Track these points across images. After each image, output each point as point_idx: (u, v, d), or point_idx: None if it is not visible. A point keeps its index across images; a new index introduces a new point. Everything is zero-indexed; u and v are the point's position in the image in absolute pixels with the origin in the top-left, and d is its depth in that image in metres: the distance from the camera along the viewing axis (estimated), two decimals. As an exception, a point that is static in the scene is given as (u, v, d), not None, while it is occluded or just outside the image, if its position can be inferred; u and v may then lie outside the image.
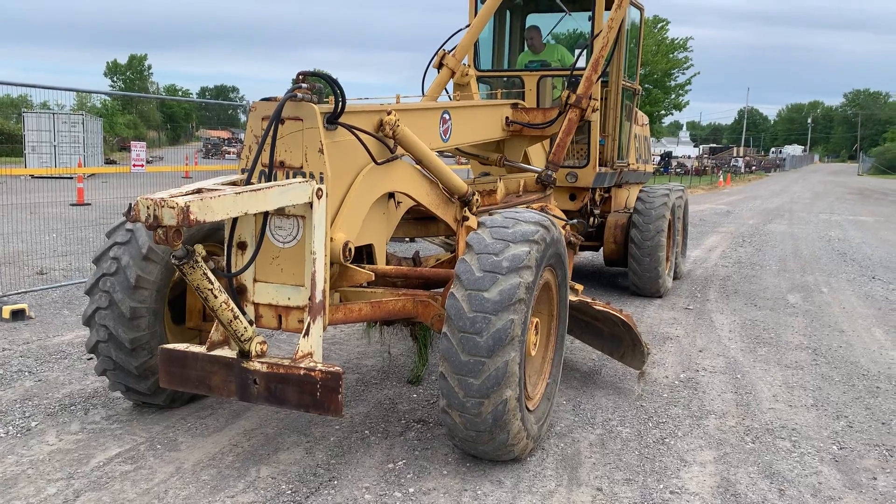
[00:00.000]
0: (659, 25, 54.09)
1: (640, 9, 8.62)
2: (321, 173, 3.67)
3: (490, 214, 4.03)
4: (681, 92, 54.72)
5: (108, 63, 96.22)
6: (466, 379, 3.46)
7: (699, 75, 57.31)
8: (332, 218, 3.87)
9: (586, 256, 11.46)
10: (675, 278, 9.80)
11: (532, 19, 9.01)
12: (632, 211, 8.58)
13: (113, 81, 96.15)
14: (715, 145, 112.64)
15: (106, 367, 4.28)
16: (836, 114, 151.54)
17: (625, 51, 8.14)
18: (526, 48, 8.60)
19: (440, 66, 6.57)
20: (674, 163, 62.67)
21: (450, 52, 6.58)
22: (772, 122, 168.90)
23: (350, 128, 3.86)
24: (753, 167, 68.87)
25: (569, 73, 6.68)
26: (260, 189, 3.34)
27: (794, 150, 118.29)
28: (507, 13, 8.73)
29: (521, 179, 6.29)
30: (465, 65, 6.60)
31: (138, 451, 3.92)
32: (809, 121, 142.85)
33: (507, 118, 6.35)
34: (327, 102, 3.79)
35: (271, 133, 3.59)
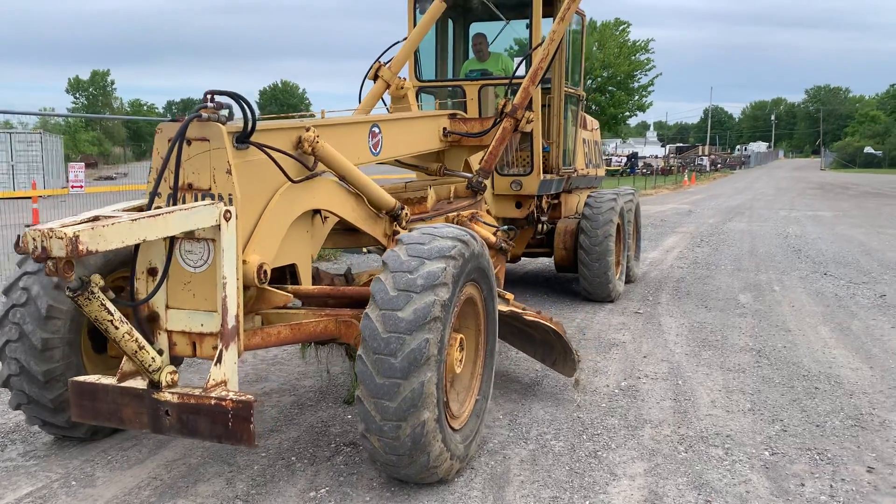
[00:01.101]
0: (621, 28, 54.64)
1: (582, 15, 8.62)
2: (230, 195, 3.57)
3: (410, 230, 3.95)
4: (644, 93, 55.24)
5: (69, 79, 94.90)
6: (382, 402, 3.37)
7: (665, 76, 57.92)
8: (246, 240, 3.78)
9: (544, 262, 11.44)
10: (628, 282, 9.81)
11: (477, 27, 8.97)
12: (580, 216, 8.57)
13: (75, 98, 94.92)
14: (681, 145, 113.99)
15: (20, 401, 4.12)
16: (799, 110, 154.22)
17: (567, 58, 8.13)
18: (471, 56, 8.56)
19: (376, 77, 6.50)
20: (640, 163, 63.25)
21: (386, 63, 6.51)
22: (737, 120, 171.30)
23: (261, 146, 3.76)
24: (719, 165, 69.75)
25: (507, 82, 6.63)
26: (159, 214, 3.23)
27: (759, 147, 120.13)
28: (450, 22, 8.69)
29: (452, 186, 6.24)
30: (401, 77, 6.53)
31: (51, 490, 3.78)
32: (773, 118, 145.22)
33: (444, 129, 6.30)
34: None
35: (175, 155, 3.48)
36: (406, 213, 4.90)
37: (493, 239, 5.85)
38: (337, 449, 4.25)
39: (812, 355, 6.32)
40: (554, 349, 5.25)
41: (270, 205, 3.92)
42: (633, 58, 53.53)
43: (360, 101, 6.57)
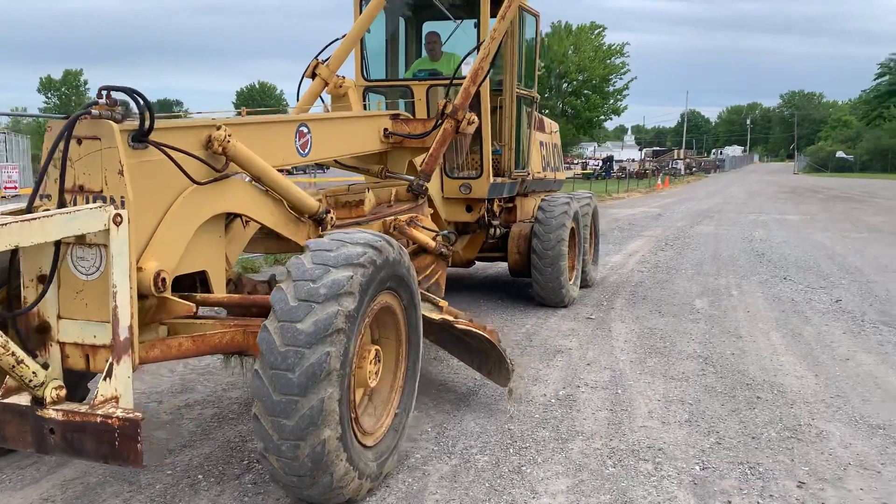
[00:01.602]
0: (596, 32, 54.87)
1: (536, 15, 8.47)
2: (122, 197, 3.35)
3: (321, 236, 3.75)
4: (619, 97, 55.49)
5: (41, 79, 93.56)
6: (280, 420, 3.16)
7: (643, 80, 58.39)
8: (143, 245, 3.56)
9: (503, 267, 11.27)
10: (585, 286, 9.67)
11: (431, 26, 8.79)
12: (534, 220, 8.41)
13: (47, 98, 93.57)
14: (658, 148, 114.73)
15: None
16: (774, 114, 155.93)
17: (518, 59, 7.97)
18: (424, 56, 8.38)
19: (314, 75, 6.30)
20: (616, 166, 63.51)
21: (324, 61, 6.32)
22: (713, 124, 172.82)
23: (159, 146, 3.54)
24: (693, 169, 70.19)
25: (449, 82, 6.45)
26: (35, 218, 3.00)
27: (735, 150, 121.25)
28: (402, 21, 8.50)
29: (393, 189, 6.06)
30: (340, 76, 6.33)
31: (-69, 512, 3.53)
32: (748, 122, 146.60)
33: (385, 130, 6.10)
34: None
35: (60, 154, 3.26)
36: (331, 218, 4.69)
37: (432, 244, 5.67)
38: (248, 466, 4.03)
39: (759, 363, 6.20)
40: (489, 358, 5.07)
41: (173, 208, 3.70)
42: (608, 61, 53.82)
43: (297, 100, 6.38)
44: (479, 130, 7.35)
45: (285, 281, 3.37)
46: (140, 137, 3.45)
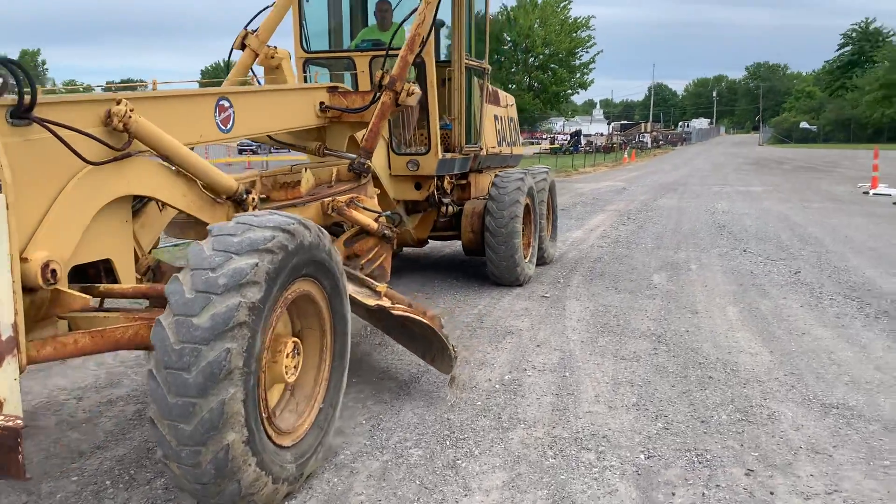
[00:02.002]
0: (562, 5, 54.31)
1: (485, -17, 8.13)
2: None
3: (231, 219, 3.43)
4: (585, 71, 55.12)
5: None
6: (177, 425, 2.87)
7: (611, 54, 58.07)
8: (30, 233, 3.21)
9: (459, 246, 11.00)
10: (542, 264, 9.45)
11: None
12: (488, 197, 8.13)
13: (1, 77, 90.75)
14: (625, 122, 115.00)
15: None
16: (740, 86, 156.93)
17: (466, 28, 7.64)
18: (372, 24, 8.00)
19: (243, 47, 5.94)
20: (584, 141, 63.46)
21: (254, 32, 5.95)
22: (680, 97, 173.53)
23: (43, 122, 3.19)
24: (660, 142, 70.40)
25: (384, 52, 6.11)
26: None
27: (701, 123, 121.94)
28: (344, -9, 8.10)
29: (334, 168, 5.73)
30: (271, 46, 5.97)
31: None
32: (714, 94, 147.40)
33: (321, 103, 5.76)
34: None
35: None
36: (252, 199, 4.37)
37: (373, 226, 5.36)
38: (161, 471, 3.73)
39: (714, 339, 6.02)
40: (432, 344, 4.81)
41: (65, 192, 3.36)
42: (574, 35, 53.37)
43: (226, 73, 6.01)
44: (426, 104, 7.08)
45: (184, 270, 3.05)
46: (20, 114, 3.09)
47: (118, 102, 3.63)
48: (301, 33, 7.29)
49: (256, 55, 5.91)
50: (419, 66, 7.00)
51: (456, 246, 11.06)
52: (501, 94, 9.94)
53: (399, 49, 7.09)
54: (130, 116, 3.63)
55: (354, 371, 5.28)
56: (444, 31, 7.69)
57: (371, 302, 4.54)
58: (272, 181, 5.32)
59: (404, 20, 6.07)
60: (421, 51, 5.96)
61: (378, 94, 5.67)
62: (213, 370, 2.85)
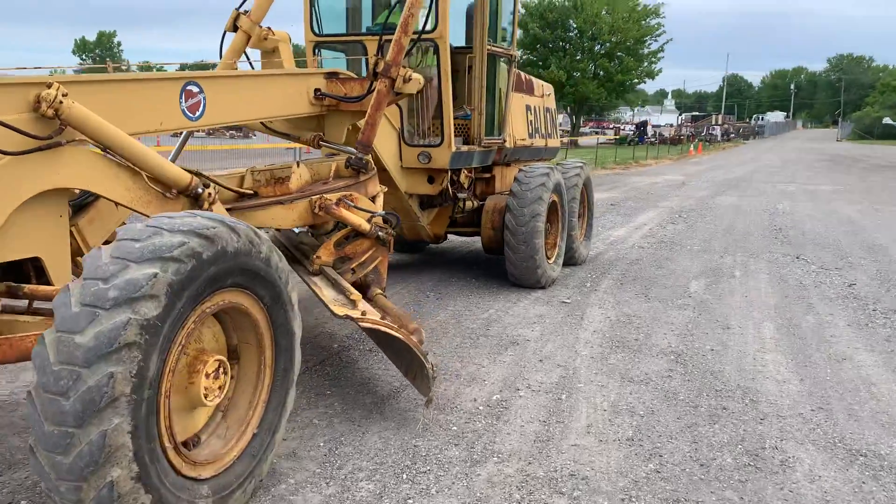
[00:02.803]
0: (631, -8, 52.75)
1: (513, -37, 7.58)
2: None
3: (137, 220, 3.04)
4: (653, 60, 53.51)
5: (76, 41, 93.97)
6: (55, 457, 2.51)
7: (683, 44, 56.42)
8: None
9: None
10: (573, 264, 8.89)
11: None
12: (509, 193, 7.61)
13: (82, 60, 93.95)
14: (697, 113, 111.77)
15: None
16: (820, 79, 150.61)
17: (491, 12, 7.12)
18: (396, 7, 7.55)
19: (235, 29, 5.57)
20: (651, 132, 61.81)
21: (246, 13, 5.57)
22: (756, 89, 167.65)
23: (-59, 109, 2.87)
24: (731, 135, 68.03)
25: (379, 37, 5.65)
26: None
27: (777, 116, 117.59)
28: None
29: (334, 164, 5.31)
30: (265, 27, 5.59)
31: None
32: (792, 87, 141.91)
33: (316, 90, 5.36)
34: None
35: None
36: (209, 193, 3.98)
37: (366, 227, 4.91)
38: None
39: (739, 361, 5.40)
40: (414, 361, 4.36)
41: (-18, 184, 3.05)
42: (644, 23, 51.78)
43: (220, 56, 5.66)
44: (439, 92, 6.62)
45: (75, 280, 2.69)
46: None
47: (49, 86, 3.30)
48: (312, 15, 6.89)
49: (249, 37, 5.54)
50: (434, 51, 6.54)
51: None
52: (537, 82, 9.38)
53: (382, 31, 6.69)
54: (62, 102, 3.29)
55: (333, 381, 4.89)
56: (462, 14, 7.19)
57: (340, 311, 4.13)
58: (267, 175, 4.94)
59: (396, 2, 5.58)
60: (421, 34, 5.49)
61: (373, 82, 5.23)
62: (93, 397, 2.47)
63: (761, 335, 6.13)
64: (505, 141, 7.81)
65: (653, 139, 55.18)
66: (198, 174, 4.49)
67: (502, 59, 7.60)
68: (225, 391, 3.17)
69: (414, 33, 6.49)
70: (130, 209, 3.76)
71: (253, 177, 4.90)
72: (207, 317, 3.05)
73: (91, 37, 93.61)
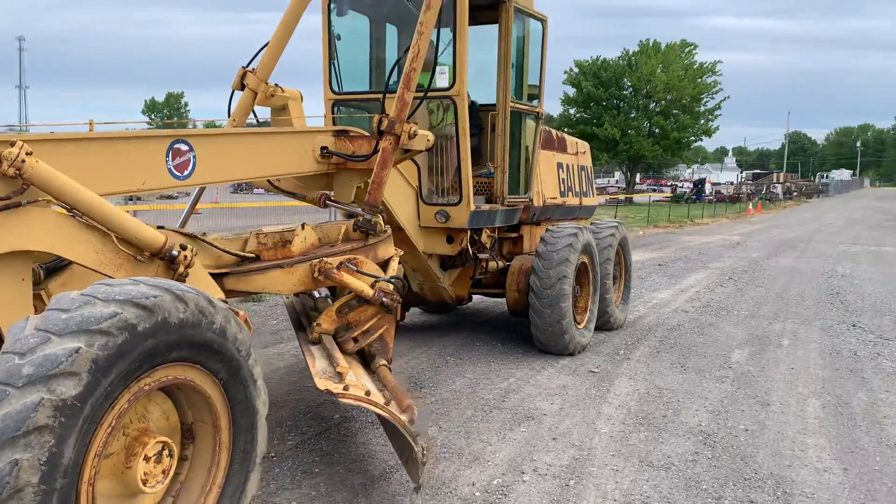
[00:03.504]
0: (686, 50, 52.63)
1: (542, 20, 7.39)
2: None
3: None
4: (710, 117, 52.91)
5: (146, 101, 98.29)
6: (-52, 553, 2.25)
7: (745, 101, 55.94)
8: None
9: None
10: (608, 329, 8.44)
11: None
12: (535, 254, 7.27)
13: (150, 119, 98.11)
14: (758, 171, 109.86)
15: None
16: (889, 136, 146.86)
17: (515, 68, 6.92)
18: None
19: (243, 87, 5.47)
20: (709, 189, 60.79)
21: (253, 70, 5.47)
22: (820, 146, 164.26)
23: None
24: (793, 193, 66.33)
25: (381, 96, 5.47)
26: None
27: (842, 174, 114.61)
28: (394, 28, 7.57)
29: (344, 226, 5.08)
30: (272, 84, 5.47)
31: None
32: (859, 144, 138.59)
33: (323, 148, 5.17)
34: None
35: None
36: (185, 256, 3.77)
37: (368, 292, 4.62)
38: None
39: (776, 444, 4.87)
40: (404, 442, 4.00)
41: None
42: (699, 80, 51.38)
43: (228, 114, 5.56)
44: (457, 149, 6.40)
45: (-4, 352, 2.46)
46: None
47: (11, 144, 3.16)
48: (331, 72, 6.79)
49: (256, 95, 5.43)
50: (453, 108, 6.35)
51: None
52: (570, 139, 9.10)
53: (437, 90, 6.51)
54: (24, 161, 3.14)
55: (325, 457, 4.57)
56: (484, 70, 7.00)
57: (320, 385, 3.84)
58: (273, 238, 4.74)
59: (401, 58, 5.40)
60: (428, 90, 5.29)
61: (378, 140, 5.02)
62: (-7, 489, 2.22)
63: (804, 414, 5.57)
64: (531, 199, 7.51)
65: (711, 197, 54.13)
66: (193, 237, 4.34)
67: (529, 117, 7.36)
68: (170, 475, 2.88)
69: (432, 90, 6.37)
70: (100, 273, 3.57)
71: (258, 239, 4.71)
72: (149, 394, 2.79)
73: (160, 97, 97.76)
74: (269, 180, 5.46)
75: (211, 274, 4.35)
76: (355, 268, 4.67)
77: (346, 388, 3.81)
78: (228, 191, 33.99)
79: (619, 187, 64.15)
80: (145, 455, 2.74)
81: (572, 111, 53.67)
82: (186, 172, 4.14)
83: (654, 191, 70.82)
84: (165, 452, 2.83)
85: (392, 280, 4.80)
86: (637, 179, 75.42)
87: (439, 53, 6.61)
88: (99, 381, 2.45)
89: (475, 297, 9.30)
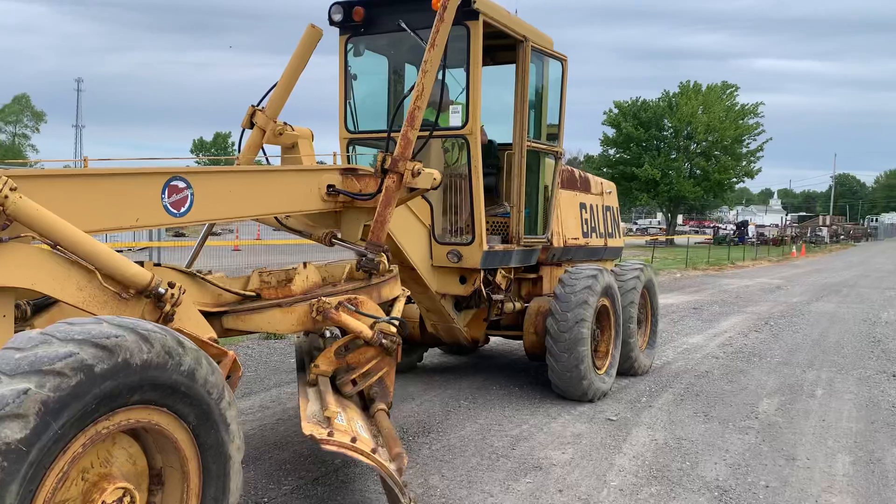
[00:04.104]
0: (728, 91, 52.26)
1: (562, 60, 7.31)
2: None
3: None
4: (752, 159, 52.21)
5: (194, 140, 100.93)
6: None
7: (788, 142, 55.41)
8: None
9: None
10: (632, 375, 8.17)
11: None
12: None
13: (198, 158, 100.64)
14: (804, 213, 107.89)
15: None
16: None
17: (532, 108, 6.85)
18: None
19: (252, 125, 5.47)
20: (752, 232, 59.79)
21: (262, 108, 5.47)
22: (870, 189, 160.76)
23: None
24: (840, 236, 64.81)
25: (387, 134, 5.42)
26: None
27: (892, 218, 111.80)
28: (409, 67, 7.56)
29: (348, 265, 5.00)
30: (281, 122, 5.46)
31: None
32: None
33: (329, 186, 5.11)
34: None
35: None
36: (172, 294, 3.70)
37: (367, 333, 4.49)
38: None
39: (798, 504, 4.58)
40: (392, 491, 3.85)
41: None
42: (741, 122, 50.85)
43: (238, 151, 5.56)
44: (470, 188, 6.31)
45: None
46: None
47: (-4, 180, 3.15)
48: (346, 112, 6.78)
49: (264, 132, 5.42)
50: (465, 147, 6.27)
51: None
52: (594, 179, 8.95)
53: (450, 129, 6.46)
54: (7, 197, 3.12)
55: (319, 503, 4.41)
56: (504, 109, 6.91)
57: (305, 430, 3.71)
58: (278, 276, 4.68)
59: (405, 95, 5.36)
60: (433, 129, 5.23)
61: (381, 179, 4.94)
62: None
63: (832, 470, 5.25)
64: (550, 240, 7.35)
65: (753, 240, 53.16)
66: (192, 274, 4.29)
67: (547, 156, 7.25)
68: (134, 524, 2.77)
69: (446, 129, 6.32)
70: (84, 310, 3.51)
71: (261, 277, 4.65)
72: (112, 437, 2.70)
73: (208, 137, 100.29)
74: (276, 218, 5.43)
75: (211, 312, 4.30)
76: (355, 308, 4.56)
77: (330, 434, 3.67)
78: (270, 228, 34.50)
79: (660, 228, 63.43)
80: (103, 502, 2.63)
81: (612, 152, 53.48)
82: (183, 209, 4.10)
83: (696, 232, 69.83)
84: (126, 499, 2.72)
85: (393, 321, 4.68)
86: (680, 221, 74.38)
87: (458, 93, 6.60)
88: (48, 423, 2.36)
89: (497, 339, 9.14)
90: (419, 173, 4.90)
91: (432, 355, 9.06)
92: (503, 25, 6.31)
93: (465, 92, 6.22)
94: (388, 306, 5.00)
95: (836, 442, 5.97)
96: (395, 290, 5.10)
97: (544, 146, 7.12)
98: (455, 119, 6.25)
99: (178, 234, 37.20)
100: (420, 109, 4.81)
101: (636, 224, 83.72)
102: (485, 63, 7.60)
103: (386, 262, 5.00)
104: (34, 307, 3.69)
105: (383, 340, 4.54)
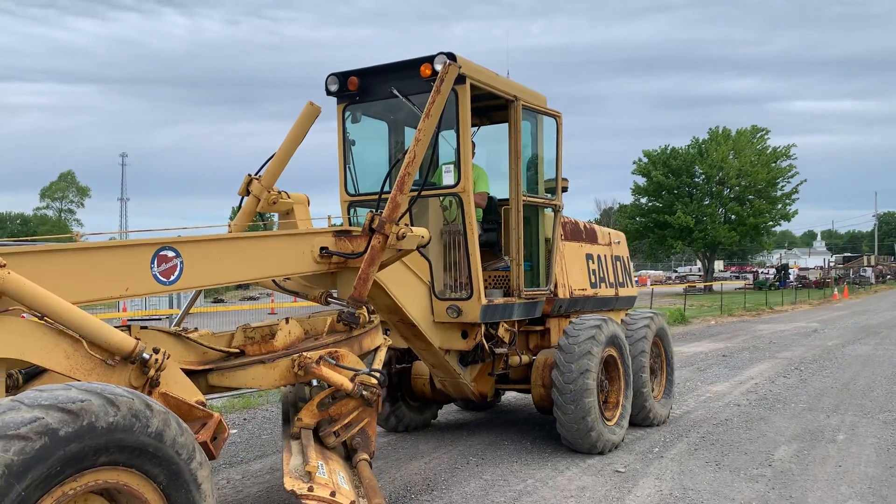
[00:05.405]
0: (758, 135, 52.13)
1: (555, 116, 7.49)
2: None
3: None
4: (788, 201, 51.63)
5: (233, 208, 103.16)
6: None
7: (829, 183, 54.77)
8: None
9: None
10: (647, 425, 8.08)
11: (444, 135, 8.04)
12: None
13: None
14: (849, 255, 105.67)
15: None
16: None
17: (526, 164, 7.01)
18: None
19: (248, 192, 5.71)
20: (793, 275, 58.74)
21: (258, 177, 5.72)
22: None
23: None
24: (886, 277, 63.22)
25: (378, 196, 5.59)
26: None
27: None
28: (405, 130, 7.80)
29: (329, 318, 5.15)
30: (276, 190, 5.69)
31: None
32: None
33: (322, 248, 5.29)
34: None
35: None
36: (156, 359, 3.86)
37: (348, 386, 4.61)
38: None
39: (799, 553, 4.48)
40: None
41: None
42: (773, 165, 50.50)
43: (231, 219, 5.80)
44: (466, 244, 6.44)
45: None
46: None
47: (-17, 257, 3.37)
48: (346, 175, 7.01)
49: (258, 200, 5.65)
50: (459, 205, 6.43)
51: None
52: (601, 230, 9.02)
53: (443, 188, 6.64)
54: (-5, 273, 3.34)
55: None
56: (500, 167, 7.08)
57: (287, 484, 3.80)
58: (262, 331, 4.85)
59: (395, 163, 5.56)
60: (422, 188, 5.39)
61: (369, 239, 5.11)
62: None
63: (840, 518, 5.13)
64: (552, 291, 7.41)
65: (797, 283, 52.16)
66: (176, 335, 4.47)
67: (546, 209, 7.37)
68: (100, 584, 2.87)
69: (440, 188, 6.51)
70: (71, 378, 3.69)
71: (245, 334, 4.82)
72: (82, 498, 2.82)
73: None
74: (273, 281, 5.61)
75: (195, 371, 4.45)
76: (335, 361, 4.68)
77: (310, 489, 3.75)
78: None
79: (699, 275, 62.59)
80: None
81: (643, 200, 53.36)
82: (173, 278, 4.29)
83: (737, 277, 68.71)
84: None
85: (373, 373, 4.79)
86: (721, 266, 73.17)
87: (451, 153, 6.79)
88: (12, 485, 2.50)
89: (515, 393, 9.13)
90: (404, 236, 5.05)
91: (448, 412, 9.07)
92: (491, 87, 6.52)
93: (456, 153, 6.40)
94: (370, 356, 5.13)
95: (850, 488, 5.82)
96: (377, 340, 5.23)
97: (542, 200, 7.25)
98: (448, 178, 6.43)
99: (218, 300, 37.78)
100: (410, 175, 4.98)
101: (675, 272, 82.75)
102: (481, 123, 7.86)
103: (366, 313, 5.14)
104: (26, 376, 3.88)
105: (364, 392, 4.66)
